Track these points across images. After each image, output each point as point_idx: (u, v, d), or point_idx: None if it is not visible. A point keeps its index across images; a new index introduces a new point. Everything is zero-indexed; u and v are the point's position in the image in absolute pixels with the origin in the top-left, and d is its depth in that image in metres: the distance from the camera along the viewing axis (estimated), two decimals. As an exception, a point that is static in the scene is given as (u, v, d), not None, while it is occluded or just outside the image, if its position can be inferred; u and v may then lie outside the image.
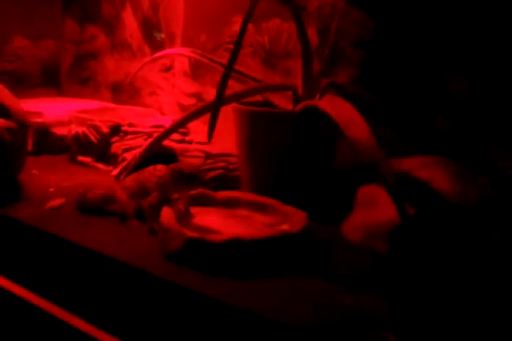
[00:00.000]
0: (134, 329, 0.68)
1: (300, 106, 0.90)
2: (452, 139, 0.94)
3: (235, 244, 0.67)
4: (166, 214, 0.75)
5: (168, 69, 1.43)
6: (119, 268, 0.69)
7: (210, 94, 1.32)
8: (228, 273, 0.66)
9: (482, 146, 0.91)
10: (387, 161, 0.69)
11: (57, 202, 0.92)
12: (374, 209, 0.81)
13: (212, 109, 0.86)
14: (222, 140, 1.26)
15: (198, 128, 1.33)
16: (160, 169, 0.85)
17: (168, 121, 1.16)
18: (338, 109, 0.77)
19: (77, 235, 0.77)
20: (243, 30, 0.85)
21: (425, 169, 0.79)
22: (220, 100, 0.85)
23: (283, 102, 1.04)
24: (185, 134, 1.18)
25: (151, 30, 1.46)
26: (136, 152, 1.07)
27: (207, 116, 1.26)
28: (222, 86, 0.85)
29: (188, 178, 0.79)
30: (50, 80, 1.72)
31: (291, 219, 0.78)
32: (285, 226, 0.77)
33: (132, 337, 0.68)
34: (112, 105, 1.42)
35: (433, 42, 0.97)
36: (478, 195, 0.73)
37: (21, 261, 0.84)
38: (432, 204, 0.76)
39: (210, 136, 0.86)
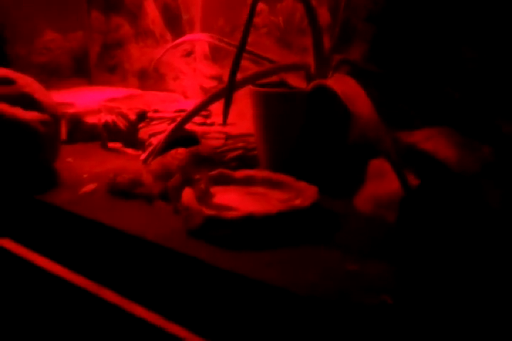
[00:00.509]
0: (157, 299, 0.75)
1: (311, 85, 0.94)
2: (460, 108, 0.95)
3: (249, 220, 0.73)
4: (187, 194, 0.81)
5: (189, 54, 1.47)
6: (146, 245, 0.75)
7: (230, 76, 1.37)
8: (244, 247, 0.72)
9: (491, 114, 0.92)
10: (389, 136, 0.72)
11: (90, 187, 1.00)
12: (383, 180, 0.85)
13: (226, 93, 0.91)
14: (244, 119, 1.31)
15: (221, 110, 1.38)
16: (181, 152, 0.91)
17: (190, 105, 1.21)
18: (343, 86, 0.81)
19: (107, 217, 0.84)
20: (252, 12, 0.88)
21: (430, 141, 0.82)
22: (233, 83, 0.90)
23: (298, 81, 1.07)
24: (207, 117, 1.23)
25: (172, 17, 1.51)
26: (161, 137, 1.13)
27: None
28: (233, 70, 0.89)
29: (206, 160, 0.85)
30: (81, 70, 1.79)
31: (303, 194, 0.83)
32: (297, 201, 0.81)
33: (156, 305, 0.75)
34: (138, 91, 1.48)
35: (443, 14, 0.98)
36: (481, 164, 0.76)
37: (59, 242, 0.93)
38: (437, 174, 0.79)
39: (225, 118, 0.91)
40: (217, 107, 1.35)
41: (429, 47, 1.01)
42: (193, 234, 0.76)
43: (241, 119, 1.33)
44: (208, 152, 0.85)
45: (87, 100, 1.42)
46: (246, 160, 1.10)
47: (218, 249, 0.72)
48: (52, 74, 1.75)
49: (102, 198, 0.95)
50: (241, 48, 0.88)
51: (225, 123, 0.90)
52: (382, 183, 0.85)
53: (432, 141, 0.82)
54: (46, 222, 0.94)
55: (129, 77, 1.67)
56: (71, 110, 1.37)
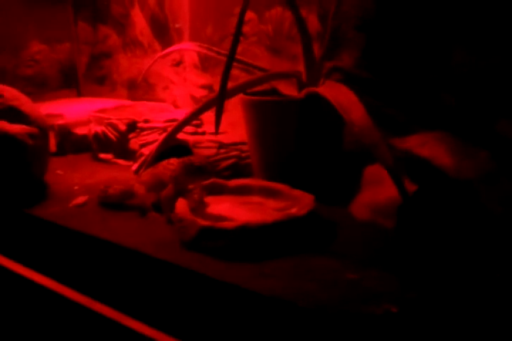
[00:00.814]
0: (153, 312, 0.73)
1: (302, 92, 0.93)
2: (457, 113, 0.95)
3: (244, 230, 0.71)
4: (180, 205, 0.80)
5: (178, 63, 1.47)
6: (139, 258, 0.74)
7: (221, 85, 1.36)
8: (240, 258, 0.71)
9: (489, 118, 0.92)
10: (385, 142, 0.71)
11: (81, 199, 0.98)
12: (380, 187, 0.84)
13: (217, 101, 0.90)
14: (238, 129, 1.30)
15: (212, 119, 1.37)
16: (173, 162, 0.90)
17: (181, 115, 1.20)
18: (336, 93, 0.80)
19: (99, 230, 0.82)
20: (240, 21, 0.87)
21: (426, 146, 0.81)
22: (224, 92, 0.88)
23: (289, 89, 1.06)
24: (198, 126, 1.22)
25: (160, 27, 1.50)
26: (153, 147, 1.12)
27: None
28: (224, 79, 0.88)
29: (198, 170, 0.83)
30: (69, 82, 1.78)
31: (299, 203, 0.81)
32: (294, 210, 0.80)
33: (152, 318, 0.73)
34: (128, 102, 1.47)
35: (432, 19, 0.98)
36: (478, 169, 0.75)
37: (50, 256, 0.90)
38: (434, 180, 0.78)
39: (217, 127, 0.90)
40: (208, 116, 1.34)
41: (421, 52, 1.01)
42: (187, 246, 0.75)
43: (233, 128, 1.33)
44: (200, 161, 0.83)
45: (76, 111, 1.41)
46: (239, 169, 1.09)
47: (214, 260, 0.71)
48: (39, 87, 1.74)
49: (93, 210, 0.93)
50: (231, 57, 0.87)
51: (217, 132, 0.89)
52: (378, 190, 0.84)
53: (428, 147, 0.81)
54: (36, 236, 0.92)
55: (118, 87, 1.66)
56: (60, 122, 1.35)
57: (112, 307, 0.74)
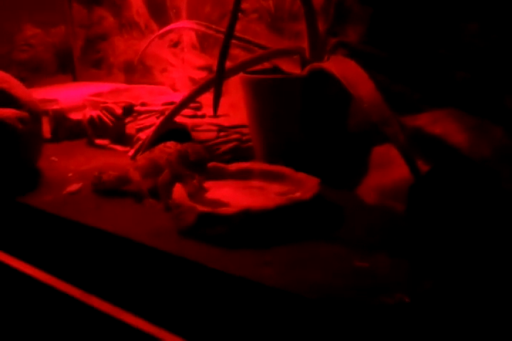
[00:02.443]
0: (151, 305, 0.69)
1: (306, 69, 0.88)
2: (469, 89, 0.90)
3: (246, 216, 0.67)
4: (178, 191, 0.75)
5: (176, 44, 1.41)
6: (135, 248, 0.69)
7: (220, 65, 1.30)
8: (241, 245, 0.66)
9: (500, 94, 0.87)
10: (396, 118, 0.66)
11: (74, 186, 0.93)
12: (389, 168, 0.79)
13: (215, 82, 0.85)
14: (238, 110, 1.25)
15: (211, 101, 1.32)
16: (169, 145, 0.85)
17: (179, 97, 1.15)
18: (343, 68, 0.74)
19: (93, 218, 0.78)
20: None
21: (438, 124, 0.76)
22: (222, 72, 0.83)
23: (292, 67, 1.01)
24: (198, 109, 1.17)
25: (156, 5, 1.44)
26: (150, 131, 1.07)
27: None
28: (222, 57, 0.83)
29: (193, 164, 0.78)
30: (64, 66, 1.72)
31: (303, 187, 0.77)
32: (297, 194, 0.75)
33: (150, 312, 0.69)
34: (125, 85, 1.42)
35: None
36: (495, 147, 0.70)
37: (43, 246, 0.86)
38: (448, 159, 0.73)
39: (215, 109, 0.85)
40: (208, 99, 1.29)
41: (430, 26, 0.95)
42: (185, 233, 0.70)
43: (234, 110, 1.27)
44: (197, 156, 0.78)
45: (71, 96, 1.36)
46: (240, 153, 1.04)
47: (213, 248, 0.66)
48: (35, 72, 1.68)
49: (87, 198, 0.88)
50: (229, 33, 0.82)
51: (215, 114, 0.84)
52: (387, 172, 0.79)
53: (440, 124, 0.76)
54: (28, 225, 0.88)
55: (115, 71, 1.60)
56: (54, 107, 1.31)
57: (107, 300, 0.70)
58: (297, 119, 0.89)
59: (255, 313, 0.59)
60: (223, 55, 0.81)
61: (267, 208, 0.67)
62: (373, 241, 0.67)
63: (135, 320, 0.66)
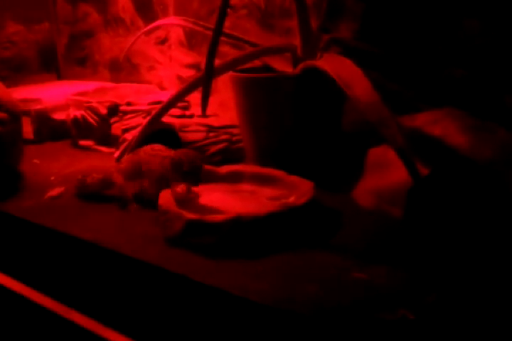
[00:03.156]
0: (134, 322, 0.65)
1: (298, 68, 0.84)
2: (468, 88, 0.86)
3: (236, 224, 0.63)
4: (165, 196, 0.71)
5: (163, 41, 1.36)
6: (118, 259, 0.65)
7: (209, 63, 1.26)
8: (231, 255, 0.62)
9: (500, 93, 0.83)
10: (394, 119, 0.62)
11: (56, 191, 0.89)
12: (386, 171, 0.75)
13: (204, 80, 0.81)
14: (227, 110, 1.21)
15: (200, 101, 1.28)
16: (158, 149, 0.81)
17: (166, 96, 1.11)
18: (337, 66, 0.71)
19: (74, 226, 0.73)
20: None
21: (438, 124, 0.72)
22: (211, 70, 0.79)
23: (283, 65, 0.97)
24: (186, 108, 1.13)
25: (142, 1, 1.40)
26: (136, 131, 1.03)
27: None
28: (210, 54, 0.79)
29: (186, 174, 0.73)
30: (48, 64, 1.67)
31: (297, 190, 0.73)
32: (291, 199, 0.72)
33: (132, 328, 0.65)
34: (110, 84, 1.37)
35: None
36: (497, 148, 0.67)
37: (21, 256, 0.82)
38: (448, 161, 0.69)
39: (203, 108, 0.81)
40: (196, 98, 1.24)
41: (427, 22, 0.92)
42: (172, 242, 0.66)
43: (223, 110, 1.24)
44: (190, 167, 0.72)
45: (54, 95, 1.31)
46: (230, 154, 1.00)
47: (201, 258, 0.62)
48: (17, 70, 1.63)
49: (69, 203, 0.84)
50: (218, 30, 0.78)
51: (204, 114, 0.80)
52: (384, 174, 0.75)
53: (440, 125, 0.72)
54: (5, 232, 0.83)
55: (101, 69, 1.55)
56: (37, 106, 1.26)
57: (88, 315, 0.66)
58: (289, 119, 0.85)
59: (246, 331, 0.55)
60: (212, 53, 0.78)
61: (258, 215, 0.64)
62: (371, 250, 0.63)
63: (117, 337, 0.61)
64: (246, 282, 0.55)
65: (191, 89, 0.97)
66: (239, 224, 0.63)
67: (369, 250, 0.63)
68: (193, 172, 0.71)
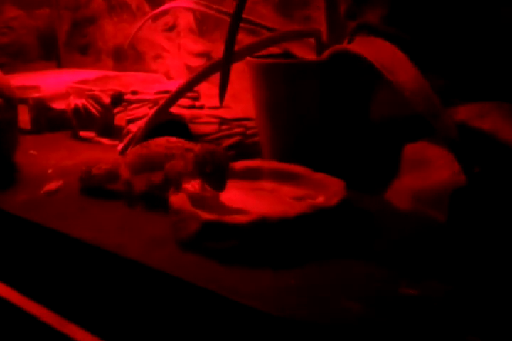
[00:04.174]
0: (142, 336, 0.57)
1: (327, 52, 0.75)
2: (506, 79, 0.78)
3: (261, 226, 0.54)
4: (178, 193, 0.63)
5: (171, 28, 1.28)
6: (124, 265, 0.57)
7: (221, 51, 1.18)
8: (255, 263, 0.54)
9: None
10: (446, 110, 0.54)
11: (54, 184, 0.81)
12: (426, 170, 0.67)
13: (222, 66, 0.72)
14: (239, 102, 1.13)
15: (211, 92, 1.20)
16: (177, 140, 0.70)
17: (175, 86, 1.03)
18: (375, 50, 0.62)
19: (74, 225, 0.65)
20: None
21: (486, 118, 0.64)
22: (230, 55, 0.71)
23: (306, 52, 0.89)
24: (196, 99, 1.04)
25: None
26: (142, 122, 0.95)
27: (217, 77, 1.11)
28: (230, 37, 0.70)
29: (209, 175, 0.63)
30: (48, 52, 1.59)
31: (326, 190, 0.65)
32: (320, 199, 0.63)
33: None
34: (114, 73, 1.29)
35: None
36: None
37: (12, 258, 0.74)
38: (499, 159, 0.61)
39: (221, 98, 0.73)
40: (206, 88, 1.17)
41: (462, 9, 0.84)
42: (186, 246, 0.58)
43: (235, 102, 1.16)
44: (214, 169, 0.62)
45: (54, 83, 1.23)
46: (244, 149, 0.92)
47: (219, 266, 0.54)
48: (16, 57, 1.55)
49: (68, 198, 0.76)
50: (240, 6, 0.69)
51: (221, 102, 0.72)
52: (423, 173, 0.67)
53: (488, 118, 0.64)
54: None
55: (103, 57, 1.47)
56: (35, 94, 1.18)
57: (89, 330, 0.57)
58: (314, 110, 0.77)
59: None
60: (232, 36, 0.69)
61: (286, 217, 0.55)
62: (416, 259, 0.55)
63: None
64: (276, 297, 0.47)
65: (203, 76, 0.89)
66: (264, 227, 0.55)
67: (414, 259, 0.55)
68: (217, 175, 0.61)
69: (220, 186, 0.62)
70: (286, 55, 0.90)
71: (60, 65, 1.57)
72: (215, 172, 0.61)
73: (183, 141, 0.69)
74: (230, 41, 0.69)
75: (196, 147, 0.65)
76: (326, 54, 0.76)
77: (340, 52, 0.72)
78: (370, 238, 0.60)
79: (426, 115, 0.54)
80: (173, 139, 0.70)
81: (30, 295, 0.67)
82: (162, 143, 0.70)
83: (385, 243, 0.58)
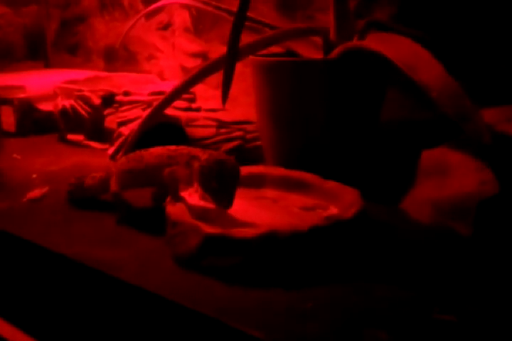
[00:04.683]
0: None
1: (337, 51, 0.70)
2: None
3: (271, 241, 0.48)
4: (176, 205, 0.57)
5: (166, 26, 1.22)
6: (111, 285, 0.50)
7: (218, 52, 1.12)
8: (264, 283, 0.48)
9: None
10: (478, 110, 0.49)
11: (38, 192, 0.74)
12: (446, 178, 0.61)
13: (226, 63, 0.67)
14: (237, 106, 1.07)
15: (207, 94, 1.14)
16: (180, 148, 0.62)
17: (170, 87, 0.96)
18: (395, 47, 0.57)
19: (58, 238, 0.58)
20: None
21: (516, 122, 0.59)
22: (235, 49, 0.65)
23: (311, 51, 0.83)
24: (192, 100, 0.99)
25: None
26: (134, 125, 0.89)
27: (214, 79, 1.06)
28: (235, 30, 0.65)
29: (217, 191, 0.54)
30: (36, 51, 1.52)
31: (338, 200, 0.59)
32: (332, 210, 0.57)
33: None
34: (105, 73, 1.22)
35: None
36: None
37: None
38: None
39: (224, 98, 0.67)
40: (202, 90, 1.11)
41: (478, 6, 0.79)
42: (185, 264, 0.52)
43: (233, 106, 1.09)
44: (221, 181, 0.53)
45: (40, 83, 1.16)
46: (245, 154, 0.86)
47: (224, 286, 0.48)
48: (1, 56, 1.47)
49: (52, 207, 0.69)
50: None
51: (224, 102, 0.66)
52: (444, 182, 0.61)
53: (518, 123, 0.59)
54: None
55: (94, 57, 1.40)
56: (20, 95, 1.11)
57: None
58: (321, 113, 0.71)
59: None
60: (237, 28, 0.63)
61: (299, 230, 0.49)
62: (446, 278, 0.49)
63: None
64: (294, 325, 0.41)
65: (201, 76, 0.83)
66: (274, 242, 0.48)
67: (444, 279, 0.49)
68: (224, 191, 0.53)
69: (226, 203, 0.53)
70: (290, 54, 0.84)
71: (47, 66, 1.50)
72: (222, 187, 0.53)
73: (185, 147, 0.60)
74: (235, 34, 0.63)
75: (204, 155, 0.56)
76: (335, 52, 0.70)
77: (352, 50, 0.66)
78: (390, 254, 0.54)
79: (455, 117, 0.48)
80: (173, 147, 0.61)
81: (10, 319, 0.60)
82: (163, 152, 0.60)
83: (406, 260, 0.52)
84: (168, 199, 0.58)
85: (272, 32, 0.83)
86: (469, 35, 0.80)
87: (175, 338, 0.47)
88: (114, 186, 0.63)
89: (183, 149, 0.60)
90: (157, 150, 0.61)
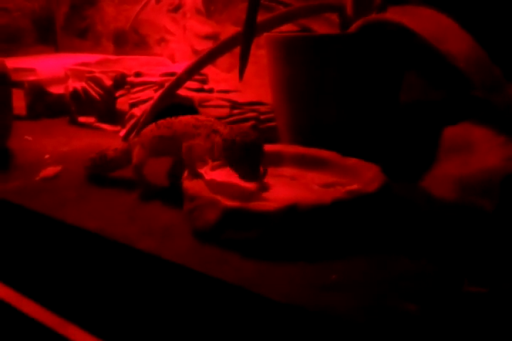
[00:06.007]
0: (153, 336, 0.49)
1: (356, 25, 0.68)
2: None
3: (293, 214, 0.47)
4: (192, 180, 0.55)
5: (176, 8, 1.20)
6: (133, 256, 0.49)
7: (230, 33, 1.10)
8: (285, 256, 0.47)
9: None
10: (508, 84, 0.47)
11: (51, 170, 0.73)
12: (469, 155, 0.60)
13: (243, 38, 0.65)
14: (251, 87, 1.06)
15: (218, 77, 1.12)
16: (207, 119, 0.61)
17: (181, 68, 0.95)
18: (420, 19, 0.55)
19: (74, 213, 0.58)
20: None
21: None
22: (252, 23, 0.64)
23: (326, 29, 0.82)
24: (204, 82, 0.97)
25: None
26: (146, 106, 0.88)
27: (226, 63, 1.05)
28: (253, 4, 0.63)
29: (241, 165, 0.53)
30: (45, 36, 1.51)
31: (359, 176, 0.57)
32: (354, 186, 0.56)
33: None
34: (115, 56, 1.21)
35: None
36: None
37: (4, 250, 0.66)
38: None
39: (241, 72, 0.66)
40: (214, 73, 1.10)
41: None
42: (203, 237, 0.51)
43: (244, 87, 1.08)
44: (245, 154, 0.52)
45: (51, 66, 1.15)
46: (260, 134, 0.84)
47: (244, 259, 0.47)
48: (10, 41, 1.46)
49: (67, 185, 0.68)
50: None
51: (241, 77, 0.64)
52: (467, 159, 0.60)
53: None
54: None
55: (103, 41, 1.39)
56: (31, 78, 1.10)
57: (90, 331, 0.50)
58: (340, 90, 0.69)
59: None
60: (254, 1, 0.62)
61: (321, 204, 0.48)
62: (470, 252, 0.48)
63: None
64: (318, 297, 0.40)
65: (214, 56, 0.82)
66: (295, 215, 0.47)
67: (469, 253, 0.47)
68: (248, 163, 0.51)
69: (252, 175, 0.52)
70: (306, 31, 0.82)
71: (57, 50, 1.49)
72: (247, 158, 0.52)
73: (211, 119, 0.60)
74: (253, 9, 0.62)
75: (225, 130, 0.55)
76: (354, 26, 0.69)
77: (373, 24, 0.64)
78: (415, 229, 0.53)
79: (483, 88, 0.46)
80: (203, 117, 0.61)
81: (25, 292, 0.59)
82: (190, 121, 0.60)
83: (429, 235, 0.51)
84: (185, 175, 0.57)
85: (287, 9, 0.81)
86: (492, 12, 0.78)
87: (193, 310, 0.46)
88: (135, 158, 0.63)
89: (208, 121, 0.59)
90: (186, 119, 0.61)
